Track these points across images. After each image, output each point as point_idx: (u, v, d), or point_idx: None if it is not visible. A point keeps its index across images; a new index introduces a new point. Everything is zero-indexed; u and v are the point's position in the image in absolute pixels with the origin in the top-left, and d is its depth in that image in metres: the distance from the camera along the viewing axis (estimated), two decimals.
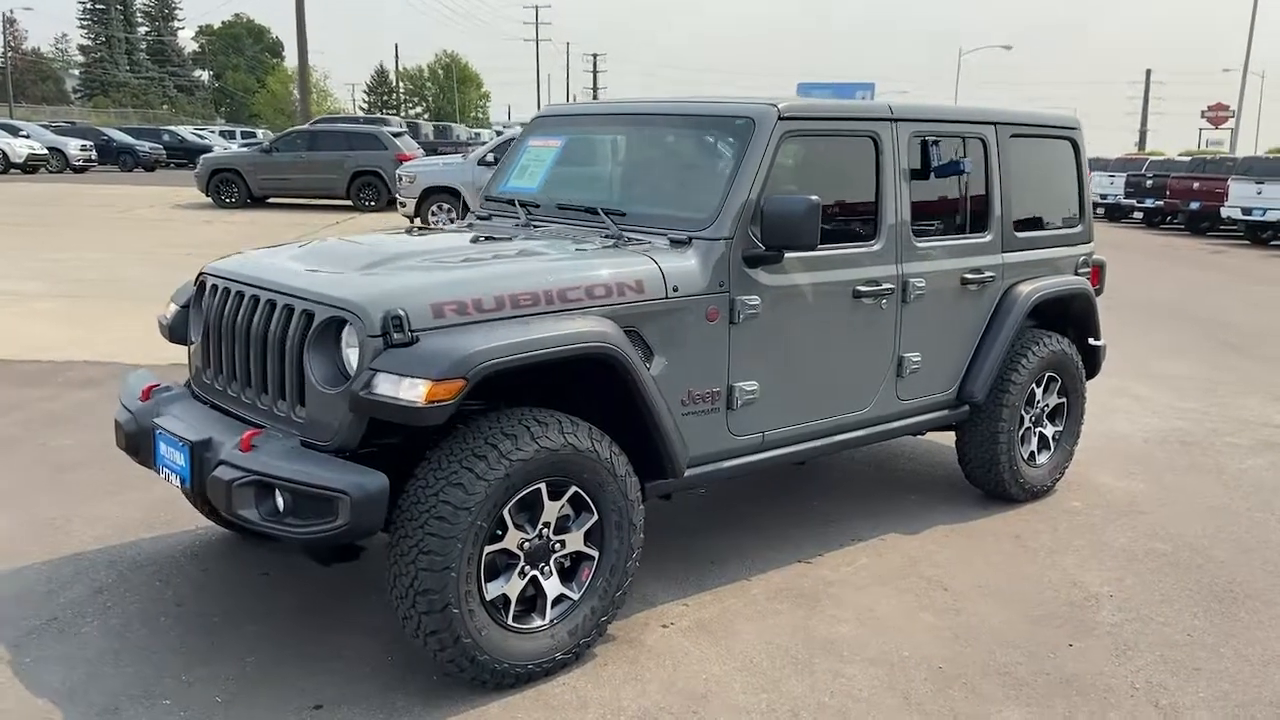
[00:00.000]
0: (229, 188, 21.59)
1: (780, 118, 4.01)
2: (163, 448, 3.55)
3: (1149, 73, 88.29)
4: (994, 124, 4.93)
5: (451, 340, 3.15)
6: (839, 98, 76.84)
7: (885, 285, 4.40)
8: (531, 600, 3.40)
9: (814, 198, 3.76)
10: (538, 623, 3.38)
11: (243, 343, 3.55)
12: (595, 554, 3.48)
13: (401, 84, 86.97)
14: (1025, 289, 5.03)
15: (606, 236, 4.01)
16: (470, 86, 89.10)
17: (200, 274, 3.94)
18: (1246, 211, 20.99)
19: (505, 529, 3.27)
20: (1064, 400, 5.35)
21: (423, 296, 3.24)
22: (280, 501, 3.11)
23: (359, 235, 4.32)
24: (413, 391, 3.03)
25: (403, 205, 18.26)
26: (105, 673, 3.38)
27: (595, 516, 3.45)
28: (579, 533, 3.45)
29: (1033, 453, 5.23)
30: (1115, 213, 28.53)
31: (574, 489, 3.38)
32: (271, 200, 22.05)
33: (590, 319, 3.46)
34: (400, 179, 18.51)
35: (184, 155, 39.46)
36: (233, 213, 20.40)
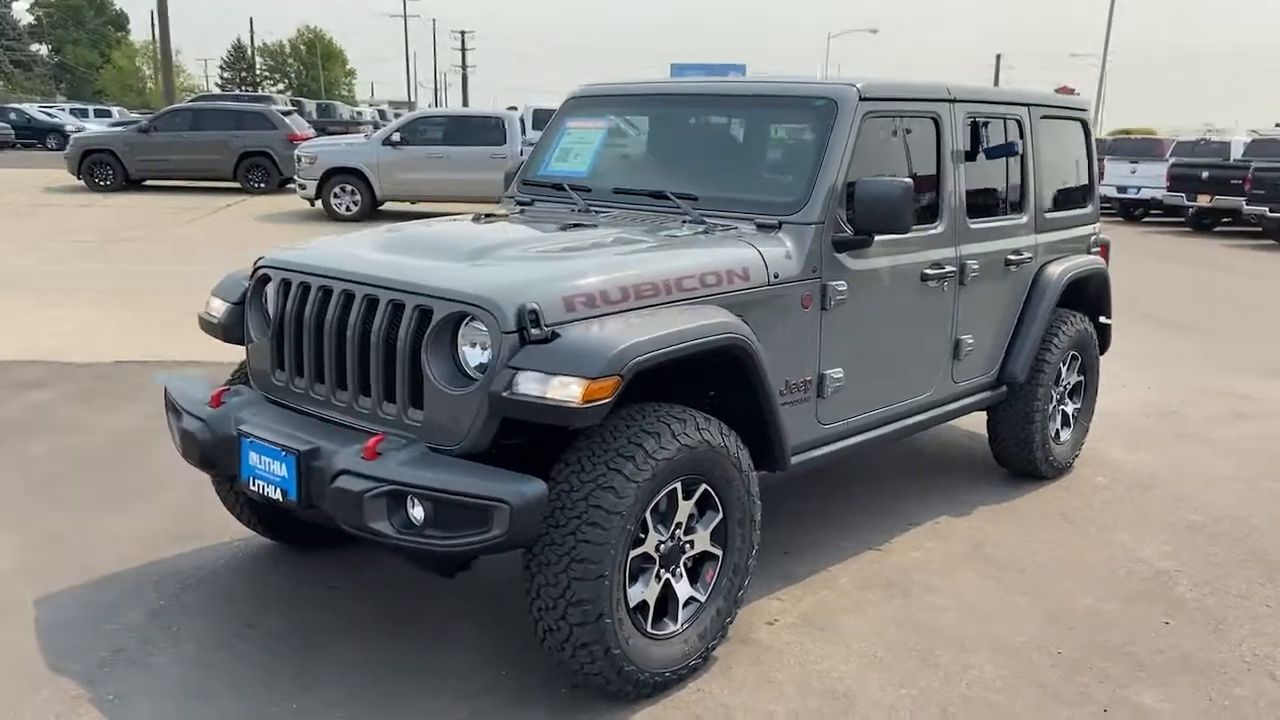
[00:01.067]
0: (103, 170, 20.26)
1: (861, 98, 3.92)
2: (253, 458, 3.24)
3: (999, 57, 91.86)
4: (1028, 105, 4.96)
5: (595, 335, 2.97)
6: (710, 76, 79.64)
7: (948, 268, 4.38)
8: (662, 605, 3.25)
9: (908, 180, 3.70)
10: (671, 628, 3.24)
11: (334, 342, 3.27)
12: (719, 553, 3.35)
13: (260, 60, 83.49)
14: (1056, 270, 5.10)
15: (687, 222, 3.86)
16: (335, 64, 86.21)
17: (259, 267, 3.62)
18: (1121, 190, 22.05)
19: (646, 532, 3.11)
20: (1083, 378, 5.46)
21: (553, 289, 3.05)
22: (419, 512, 2.87)
23: (424, 224, 4.02)
24: (565, 391, 2.84)
25: (302, 188, 17.53)
26: (200, 708, 3.08)
27: (720, 514, 3.32)
28: (705, 532, 3.31)
29: (1058, 430, 5.32)
30: None
31: (704, 487, 3.25)
32: (150, 183, 20.84)
33: (711, 309, 3.32)
34: (299, 160, 17.75)
35: (33, 135, 37.00)
36: (109, 196, 19.19)
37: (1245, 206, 17.93)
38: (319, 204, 17.51)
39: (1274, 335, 9.60)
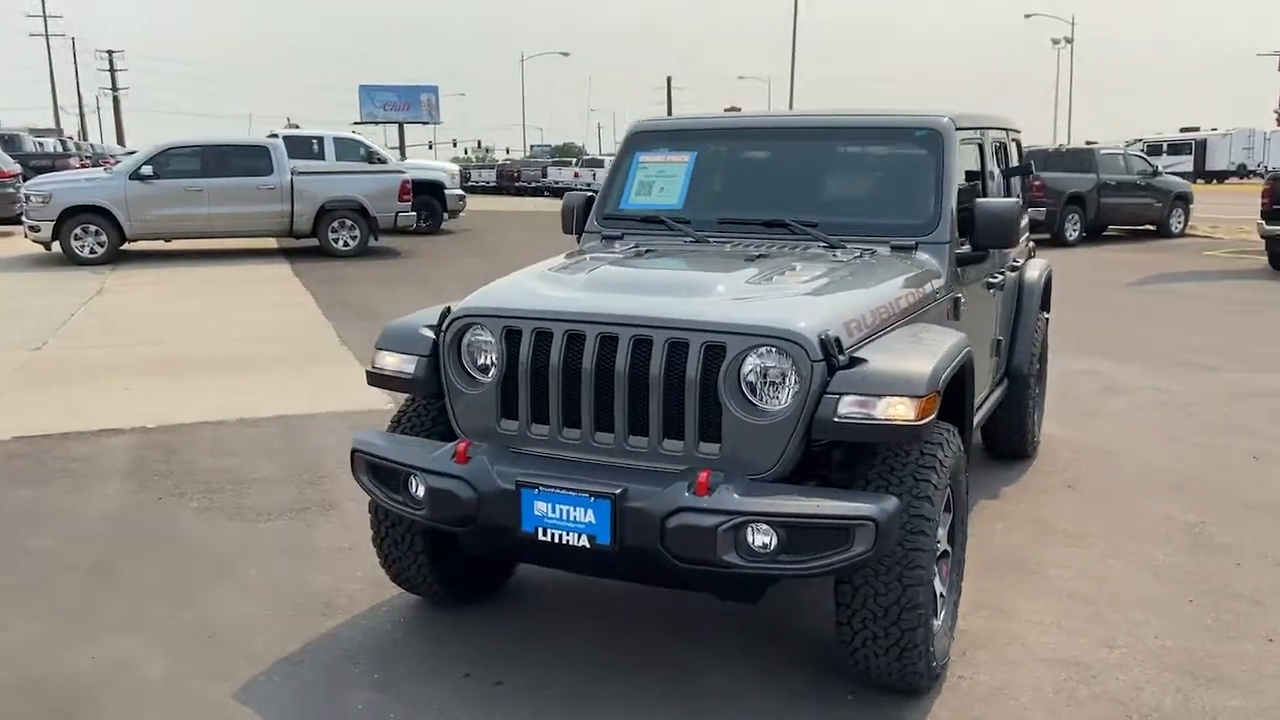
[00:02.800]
0: None
1: (956, 128, 4.35)
2: (540, 507, 3.14)
3: (669, 79, 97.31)
4: (1008, 129, 5.61)
5: (899, 357, 3.18)
6: (402, 100, 75.00)
7: (998, 276, 4.91)
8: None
9: (1017, 200, 4.17)
10: (937, 623, 3.48)
11: (599, 386, 3.24)
12: (950, 550, 3.63)
13: None
14: (1032, 272, 5.79)
15: (830, 247, 4.10)
16: None
17: (461, 316, 3.48)
18: None
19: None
20: (1040, 366, 6.20)
21: (835, 318, 3.22)
22: (765, 540, 2.94)
23: (606, 265, 3.90)
24: (899, 410, 3.01)
25: (34, 230, 15.83)
26: None
27: (952, 514, 3.60)
28: (944, 531, 3.58)
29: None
30: None
31: (949, 489, 3.52)
32: None
33: (937, 328, 3.65)
34: (27, 199, 16.00)
35: None
36: None
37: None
38: (56, 247, 15.88)
39: (1081, 324, 11.06)
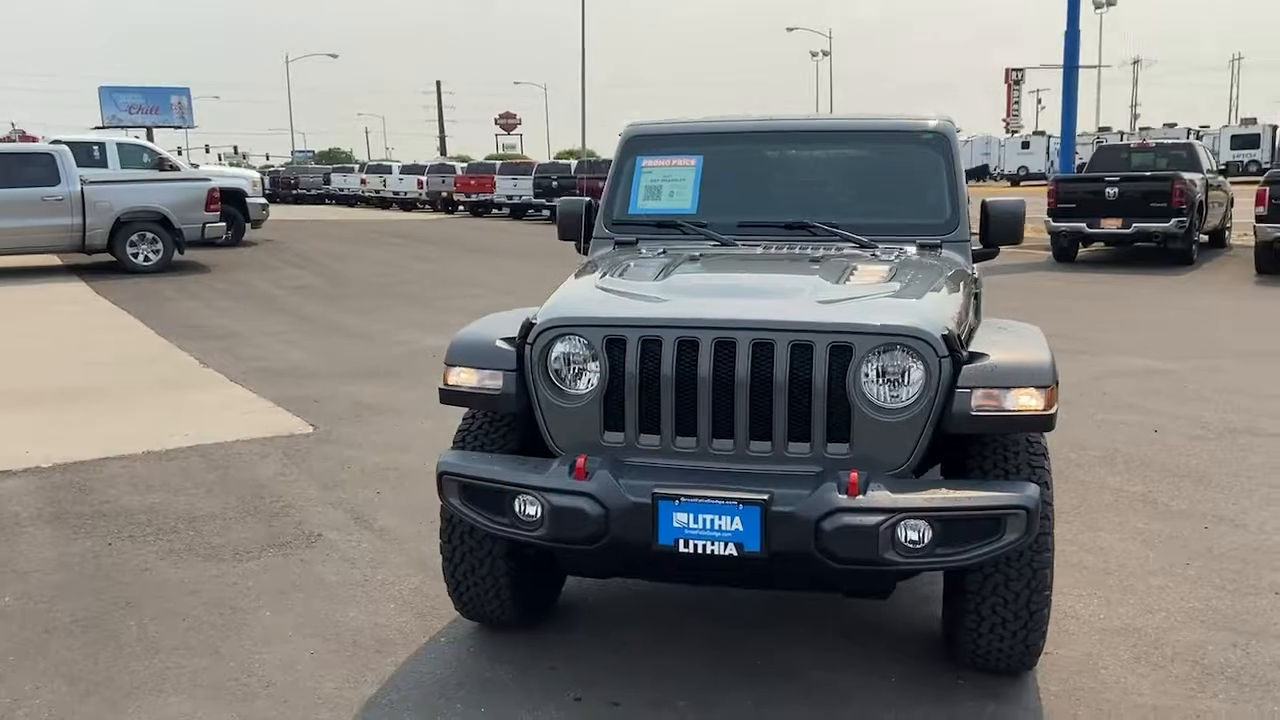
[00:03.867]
0: None
1: (955, 130, 4.57)
2: (680, 519, 3.06)
3: (439, 84, 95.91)
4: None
5: (1012, 350, 3.30)
6: (149, 102, 70.50)
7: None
8: None
9: (1022, 199, 4.42)
10: None
11: (717, 392, 3.20)
12: None
13: None
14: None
15: (862, 248, 4.20)
16: None
17: (560, 327, 3.34)
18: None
19: None
20: None
21: (944, 315, 3.31)
22: (923, 533, 3.00)
23: (694, 269, 3.87)
24: (1025, 401, 3.13)
25: None
26: None
27: None
28: None
29: None
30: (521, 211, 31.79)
31: None
32: None
33: (1004, 321, 3.82)
34: None
35: None
36: None
37: None
38: None
39: None
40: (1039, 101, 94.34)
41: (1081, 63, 19.53)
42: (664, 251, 4.22)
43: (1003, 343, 3.42)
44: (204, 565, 4.52)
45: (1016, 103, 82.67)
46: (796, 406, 3.17)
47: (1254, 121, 58.29)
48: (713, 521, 3.05)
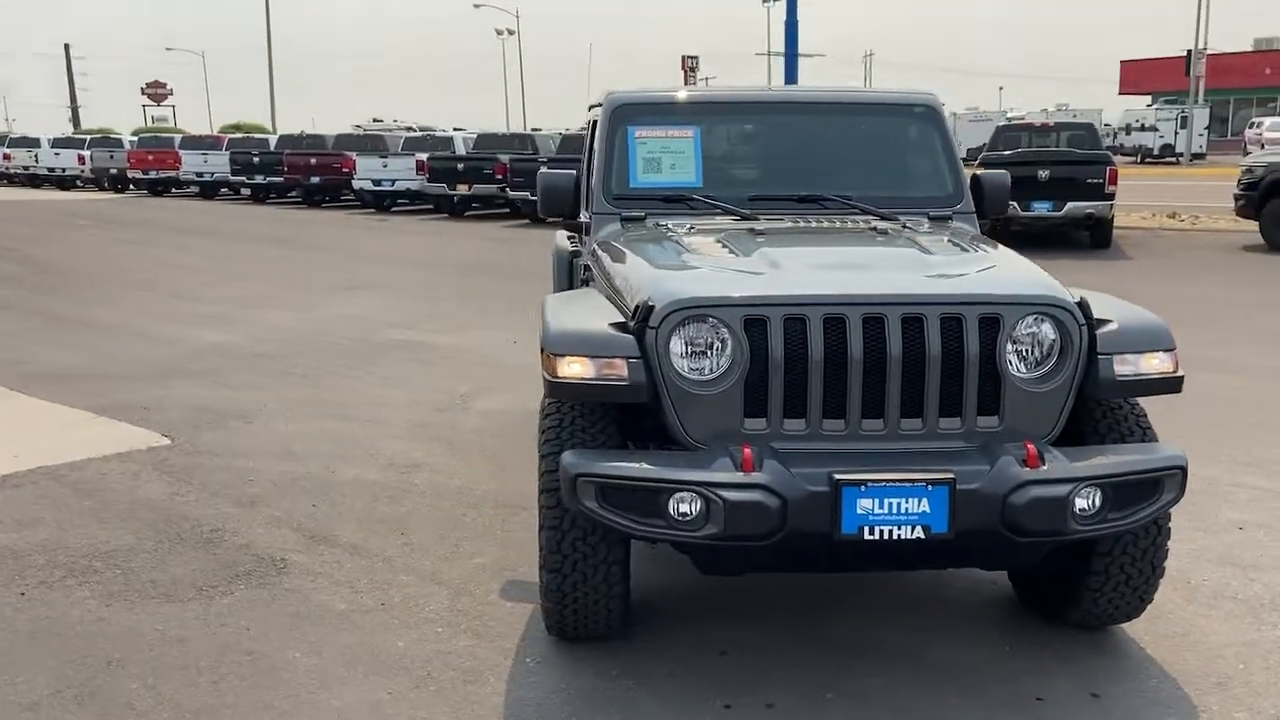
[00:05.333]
0: None
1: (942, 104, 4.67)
2: (864, 505, 2.92)
3: (67, 47, 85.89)
4: None
5: (1129, 318, 3.36)
6: None
7: None
8: None
9: (1006, 172, 4.60)
10: None
11: (868, 370, 3.08)
12: None
13: None
14: None
15: (884, 219, 4.19)
16: None
17: (692, 308, 3.07)
18: (376, 183, 23.63)
19: None
20: None
21: (1058, 283, 3.37)
22: (1092, 500, 3.03)
23: (769, 243, 3.66)
24: (1158, 364, 3.23)
25: None
26: None
27: None
28: None
29: None
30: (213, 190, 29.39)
31: None
32: None
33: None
34: None
35: None
36: None
37: (510, 192, 20.77)
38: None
39: None
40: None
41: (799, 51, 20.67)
42: (692, 228, 4.02)
43: (1109, 308, 3.49)
44: (167, 607, 3.82)
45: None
46: (949, 380, 3.11)
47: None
48: (900, 505, 2.95)
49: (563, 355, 3.17)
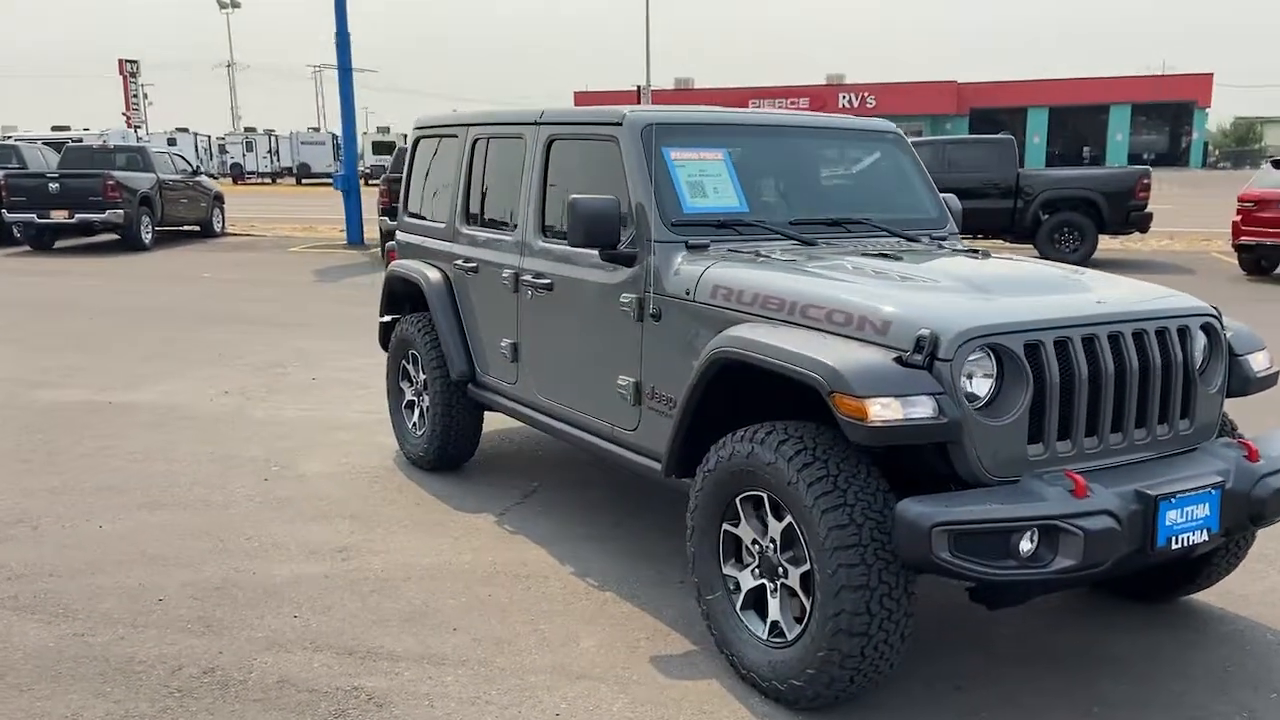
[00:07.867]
0: None
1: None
2: (1173, 515, 3.06)
3: None
4: None
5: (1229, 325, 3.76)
6: None
7: None
8: None
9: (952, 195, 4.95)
10: None
11: (1118, 385, 3.20)
12: None
13: None
14: None
15: (908, 241, 4.31)
16: None
17: (988, 335, 3.02)
18: None
19: None
20: None
21: None
22: None
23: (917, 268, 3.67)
24: (1266, 361, 3.70)
25: None
26: None
27: None
28: None
29: None
30: None
31: None
32: None
33: None
34: None
35: None
36: None
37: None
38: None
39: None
40: (145, 96, 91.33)
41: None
42: (773, 254, 3.87)
43: None
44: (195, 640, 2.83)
45: (135, 95, 78.72)
46: (1166, 390, 3.33)
47: (388, 130, 62.41)
48: (1193, 512, 3.13)
49: (871, 398, 2.89)
